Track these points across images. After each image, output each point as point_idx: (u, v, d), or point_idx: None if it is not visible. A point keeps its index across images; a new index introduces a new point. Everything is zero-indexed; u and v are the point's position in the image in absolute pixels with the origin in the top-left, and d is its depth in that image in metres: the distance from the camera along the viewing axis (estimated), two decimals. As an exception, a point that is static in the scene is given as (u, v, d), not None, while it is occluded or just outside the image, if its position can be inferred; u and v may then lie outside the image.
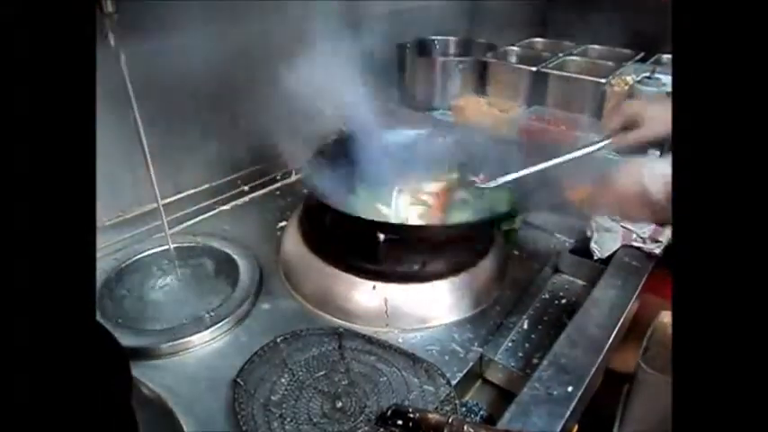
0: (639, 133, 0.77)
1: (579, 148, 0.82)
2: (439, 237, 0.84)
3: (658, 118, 0.77)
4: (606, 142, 0.81)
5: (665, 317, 0.99)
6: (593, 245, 0.93)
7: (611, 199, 0.68)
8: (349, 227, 0.82)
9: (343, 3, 1.22)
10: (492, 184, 0.85)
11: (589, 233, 0.94)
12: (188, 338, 0.74)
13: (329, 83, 1.26)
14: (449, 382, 0.67)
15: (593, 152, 0.81)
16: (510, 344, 0.79)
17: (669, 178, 0.58)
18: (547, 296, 0.90)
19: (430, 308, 0.80)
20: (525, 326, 0.83)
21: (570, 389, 0.64)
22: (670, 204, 0.58)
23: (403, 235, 0.81)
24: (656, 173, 0.63)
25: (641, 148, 0.89)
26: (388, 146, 0.97)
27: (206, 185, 1.07)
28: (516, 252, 0.97)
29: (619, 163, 0.71)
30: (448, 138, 1.00)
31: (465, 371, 0.71)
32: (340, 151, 0.95)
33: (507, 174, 0.83)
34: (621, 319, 0.77)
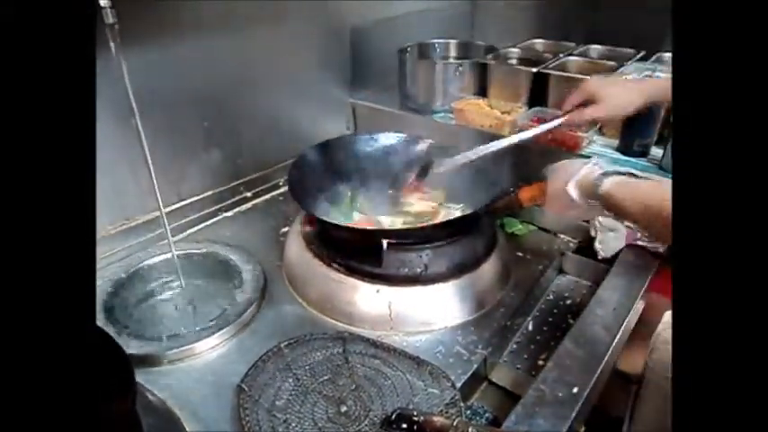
0: (596, 110, 0.82)
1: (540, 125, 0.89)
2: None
3: (615, 96, 0.83)
4: (563, 120, 0.86)
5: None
6: (597, 245, 0.92)
7: (548, 199, 0.75)
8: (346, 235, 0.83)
9: (343, 8, 1.23)
10: (442, 168, 0.89)
11: (593, 233, 0.94)
12: (192, 345, 0.74)
13: (328, 89, 1.27)
14: (453, 385, 0.67)
15: (552, 128, 0.88)
16: (515, 345, 0.79)
17: (587, 179, 0.68)
18: (551, 297, 0.90)
19: (434, 311, 0.80)
20: (530, 327, 0.82)
21: (575, 390, 0.64)
22: (585, 203, 0.68)
23: (405, 237, 0.82)
24: (579, 173, 0.69)
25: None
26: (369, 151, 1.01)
27: (209, 192, 1.08)
28: (520, 253, 0.97)
29: (552, 166, 0.77)
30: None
31: (470, 373, 0.71)
32: (322, 157, 0.98)
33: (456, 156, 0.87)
34: (627, 320, 0.76)
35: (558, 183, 0.71)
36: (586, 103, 0.85)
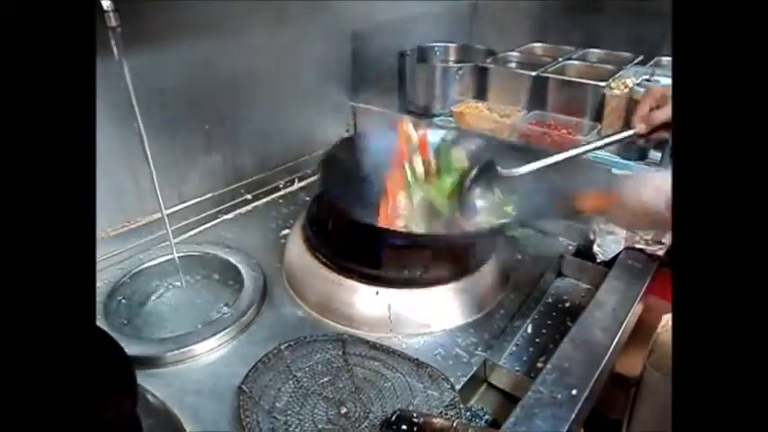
0: (663, 112, 0.78)
1: (607, 136, 0.85)
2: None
3: None
4: (632, 132, 0.80)
5: (671, 319, 0.98)
6: (596, 248, 0.93)
7: (617, 211, 0.73)
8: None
9: (344, 11, 1.24)
10: (516, 172, 0.83)
11: (592, 236, 0.94)
12: (193, 346, 0.74)
13: (329, 92, 1.27)
14: (453, 387, 0.67)
15: (622, 140, 0.83)
16: (514, 348, 0.79)
17: (665, 191, 0.65)
18: (550, 300, 0.90)
19: (433, 313, 0.80)
20: (529, 330, 0.83)
21: (574, 392, 0.64)
22: (667, 214, 0.64)
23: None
24: (655, 186, 0.68)
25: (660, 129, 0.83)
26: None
27: (209, 194, 1.08)
28: (519, 256, 0.97)
29: (623, 177, 0.74)
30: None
31: (469, 375, 0.71)
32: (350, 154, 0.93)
33: (531, 163, 0.82)
34: (625, 322, 0.77)
35: (636, 195, 0.70)
36: (658, 106, 0.80)
